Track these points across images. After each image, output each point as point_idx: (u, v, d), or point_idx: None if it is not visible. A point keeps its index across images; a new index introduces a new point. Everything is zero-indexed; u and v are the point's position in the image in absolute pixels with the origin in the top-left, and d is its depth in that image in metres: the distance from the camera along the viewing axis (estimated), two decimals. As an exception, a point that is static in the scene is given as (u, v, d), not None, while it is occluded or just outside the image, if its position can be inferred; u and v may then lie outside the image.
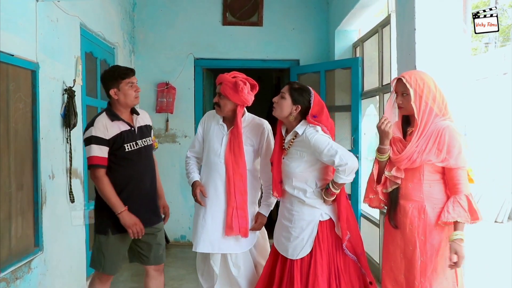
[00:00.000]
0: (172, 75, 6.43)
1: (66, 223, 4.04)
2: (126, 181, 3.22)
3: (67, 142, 4.07)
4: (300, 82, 3.29)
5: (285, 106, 3.11)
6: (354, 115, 5.40)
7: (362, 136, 5.34)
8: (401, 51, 3.54)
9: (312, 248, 3.05)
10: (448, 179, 2.70)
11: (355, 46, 5.95)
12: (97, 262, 3.28)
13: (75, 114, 4.10)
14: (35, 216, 3.56)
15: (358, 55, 5.78)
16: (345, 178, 2.95)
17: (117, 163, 3.19)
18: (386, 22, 4.65)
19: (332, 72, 5.79)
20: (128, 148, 3.20)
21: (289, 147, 3.15)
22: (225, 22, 6.53)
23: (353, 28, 5.97)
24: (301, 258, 3.06)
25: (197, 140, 3.58)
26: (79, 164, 4.35)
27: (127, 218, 3.14)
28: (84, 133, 3.20)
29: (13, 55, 3.22)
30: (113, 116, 3.22)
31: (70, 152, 4.08)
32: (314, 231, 3.08)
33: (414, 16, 3.22)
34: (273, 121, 8.13)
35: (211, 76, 7.05)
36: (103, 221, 3.23)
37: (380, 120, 2.80)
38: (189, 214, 6.39)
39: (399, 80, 2.78)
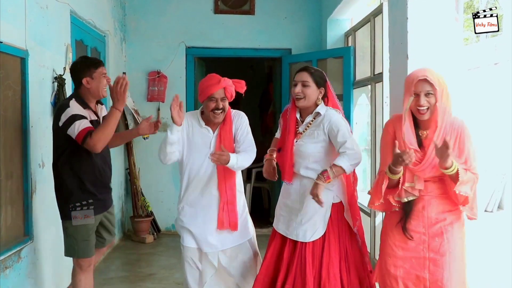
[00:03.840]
0: (163, 63, 6.39)
1: (56, 212, 4.00)
2: (91, 168, 3.25)
3: (57, 131, 4.03)
4: (313, 66, 3.35)
5: (312, 94, 3.13)
6: (346, 105, 5.40)
7: (354, 126, 5.35)
8: (393, 40, 3.53)
9: (326, 231, 3.08)
10: None
11: (347, 35, 5.94)
12: (71, 249, 3.27)
13: (65, 102, 4.05)
14: (24, 205, 3.54)
15: (350, 44, 5.77)
16: (347, 164, 2.98)
17: (84, 150, 3.15)
18: (378, 11, 4.64)
19: (324, 61, 5.78)
20: None
21: (306, 129, 3.16)
22: (217, 11, 6.49)
23: (345, 17, 5.96)
24: (313, 241, 3.07)
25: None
26: (69, 152, 4.32)
27: (119, 105, 3.18)
28: (58, 118, 3.12)
29: (1, 42, 3.18)
30: (84, 104, 3.22)
31: (61, 141, 4.05)
32: (328, 213, 3.11)
33: (406, 5, 3.21)
34: (265, 110, 8.06)
35: (202, 65, 7.02)
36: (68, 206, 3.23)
37: (404, 151, 2.51)
38: (180, 203, 6.38)
39: (422, 80, 2.59)
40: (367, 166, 5.04)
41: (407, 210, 2.69)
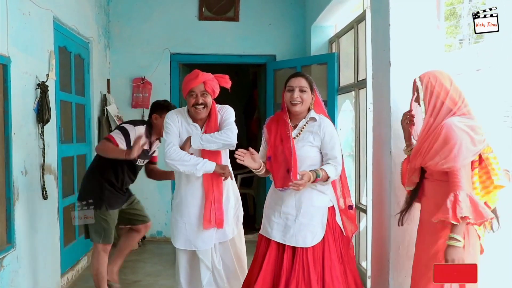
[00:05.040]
0: (148, 70, 6.38)
1: (39, 219, 3.98)
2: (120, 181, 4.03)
3: (40, 138, 4.01)
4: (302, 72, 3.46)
5: (308, 99, 3.20)
6: (330, 111, 5.40)
7: (338, 132, 5.36)
8: (376, 47, 3.56)
9: (324, 234, 3.11)
10: (449, 177, 2.58)
11: (331, 41, 5.97)
12: (97, 235, 3.92)
13: (49, 109, 4.04)
14: (7, 213, 3.50)
15: (334, 50, 5.80)
16: (333, 176, 3.11)
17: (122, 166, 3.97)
18: (361, 18, 4.68)
19: (309, 68, 5.80)
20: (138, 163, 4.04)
21: (298, 134, 3.19)
22: (202, 17, 6.50)
23: (329, 23, 6.00)
24: (313, 246, 3.09)
25: (175, 137, 3.38)
26: (52, 160, 4.29)
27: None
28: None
29: (-17, 49, 3.16)
30: (148, 135, 3.95)
31: (44, 148, 4.02)
32: (325, 217, 3.14)
33: (388, 12, 3.24)
34: (250, 116, 8.05)
35: (187, 71, 6.98)
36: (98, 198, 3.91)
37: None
38: (165, 210, 6.36)
39: (414, 80, 2.81)
40: (351, 172, 5.06)
41: (408, 201, 2.90)
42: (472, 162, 2.60)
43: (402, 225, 2.91)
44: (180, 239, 3.44)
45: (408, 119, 2.94)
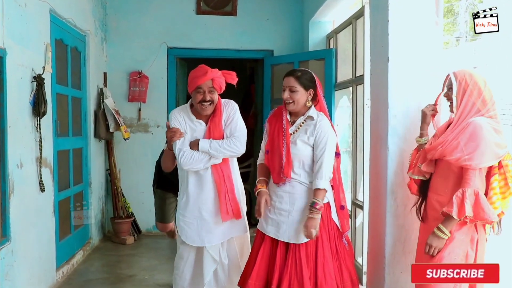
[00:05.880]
0: (145, 64, 6.35)
1: (34, 213, 3.97)
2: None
3: (37, 131, 3.98)
4: (300, 68, 3.39)
5: (300, 98, 3.14)
6: (327, 107, 5.40)
7: (336, 127, 5.35)
8: (374, 43, 3.55)
9: (318, 231, 3.09)
10: (463, 173, 2.64)
11: (329, 37, 5.96)
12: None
13: (45, 102, 4.01)
14: (2, 206, 3.49)
15: (332, 46, 5.79)
16: (326, 184, 3.05)
17: None
18: (360, 14, 4.66)
19: (306, 63, 5.79)
20: None
21: (296, 130, 3.18)
22: (199, 11, 6.47)
23: (327, 19, 5.98)
24: (306, 242, 3.07)
25: (185, 141, 3.31)
26: (48, 153, 4.27)
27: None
28: None
29: (-21, 41, 3.13)
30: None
31: (40, 141, 4.00)
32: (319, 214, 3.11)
33: (387, 8, 3.23)
34: (247, 111, 8.05)
35: (184, 66, 6.98)
36: (155, 177, 4.30)
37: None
38: (161, 205, 6.35)
39: (447, 76, 2.84)
40: (348, 168, 5.06)
41: (421, 192, 2.92)
42: (492, 168, 2.67)
43: (422, 220, 2.90)
44: (191, 235, 3.37)
45: (432, 110, 2.98)
